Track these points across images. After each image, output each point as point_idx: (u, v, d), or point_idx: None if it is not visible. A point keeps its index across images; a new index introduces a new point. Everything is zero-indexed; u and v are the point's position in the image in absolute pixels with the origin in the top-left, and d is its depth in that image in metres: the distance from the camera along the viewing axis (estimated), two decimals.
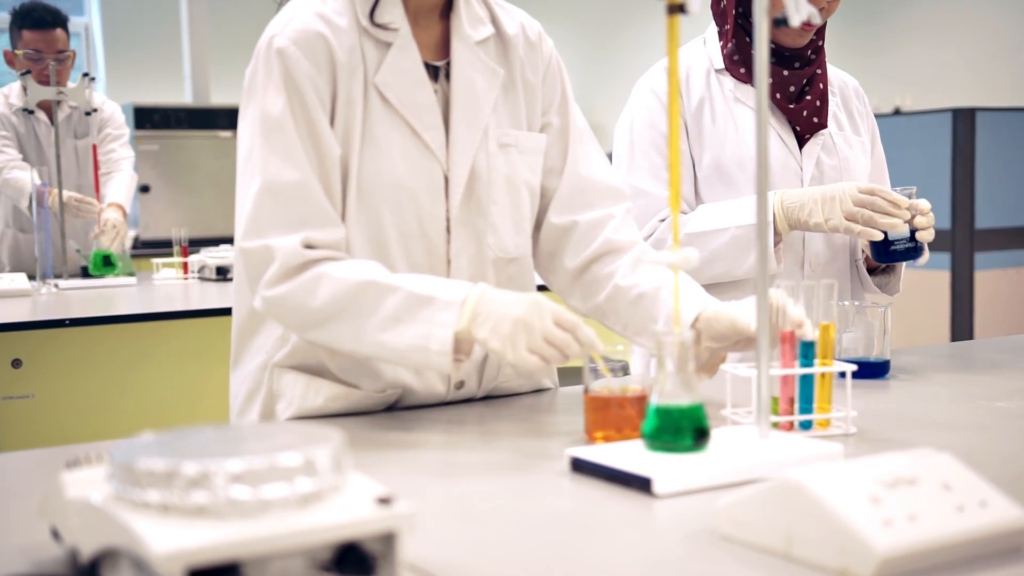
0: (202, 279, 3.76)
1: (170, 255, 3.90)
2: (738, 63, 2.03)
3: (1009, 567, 0.89)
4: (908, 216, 1.84)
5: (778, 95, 2.00)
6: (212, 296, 3.31)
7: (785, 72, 2.00)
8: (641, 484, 1.10)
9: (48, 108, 3.87)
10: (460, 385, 1.58)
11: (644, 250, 1.60)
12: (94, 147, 3.78)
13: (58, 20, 3.83)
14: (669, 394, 1.16)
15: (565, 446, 1.24)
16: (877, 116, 2.31)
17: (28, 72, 3.72)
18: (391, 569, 0.82)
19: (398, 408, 1.56)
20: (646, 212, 1.98)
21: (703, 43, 2.09)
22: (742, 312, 1.41)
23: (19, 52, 3.79)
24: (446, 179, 1.51)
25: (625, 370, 1.44)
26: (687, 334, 1.16)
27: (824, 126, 2.04)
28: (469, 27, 1.55)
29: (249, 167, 1.44)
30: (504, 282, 1.57)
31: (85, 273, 3.70)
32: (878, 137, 2.19)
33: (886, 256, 1.91)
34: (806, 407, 1.35)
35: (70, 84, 3.80)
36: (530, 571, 0.91)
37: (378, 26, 1.48)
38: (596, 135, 1.70)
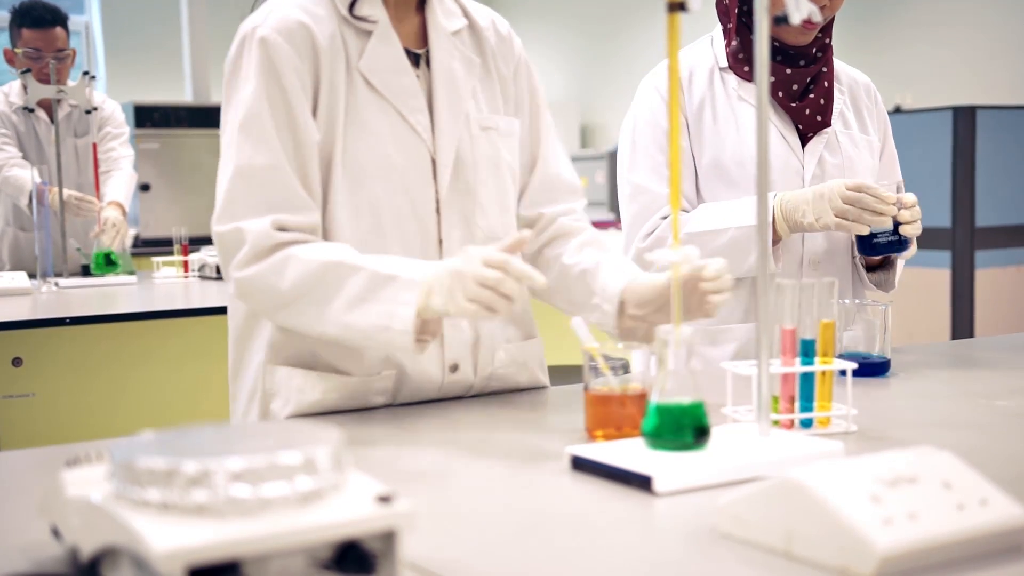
0: (202, 278, 3.75)
1: (170, 254, 3.90)
2: (742, 61, 2.03)
3: (1009, 566, 0.89)
4: (895, 211, 1.84)
5: (780, 93, 2.00)
6: (212, 295, 3.31)
7: (788, 70, 1.99)
8: (641, 482, 1.11)
9: (48, 106, 3.87)
10: (455, 368, 1.58)
11: (594, 236, 1.67)
12: (94, 145, 3.78)
13: (58, 18, 3.83)
14: (669, 392, 1.16)
15: (565, 444, 1.25)
16: None
17: (28, 70, 3.72)
18: (391, 567, 0.82)
19: (397, 404, 1.57)
20: (647, 209, 1.98)
21: (710, 42, 2.09)
22: (660, 276, 1.48)
23: (19, 50, 3.79)
24: (433, 162, 1.55)
25: (625, 368, 1.44)
26: (685, 331, 1.16)
27: (828, 124, 2.03)
28: (444, 19, 1.61)
29: (226, 154, 1.47)
30: None
31: (85, 272, 3.70)
32: (890, 134, 2.18)
33: (869, 249, 1.91)
34: (807, 405, 1.35)
35: (70, 82, 3.79)
36: (530, 569, 0.91)
37: (358, 18, 1.53)
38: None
